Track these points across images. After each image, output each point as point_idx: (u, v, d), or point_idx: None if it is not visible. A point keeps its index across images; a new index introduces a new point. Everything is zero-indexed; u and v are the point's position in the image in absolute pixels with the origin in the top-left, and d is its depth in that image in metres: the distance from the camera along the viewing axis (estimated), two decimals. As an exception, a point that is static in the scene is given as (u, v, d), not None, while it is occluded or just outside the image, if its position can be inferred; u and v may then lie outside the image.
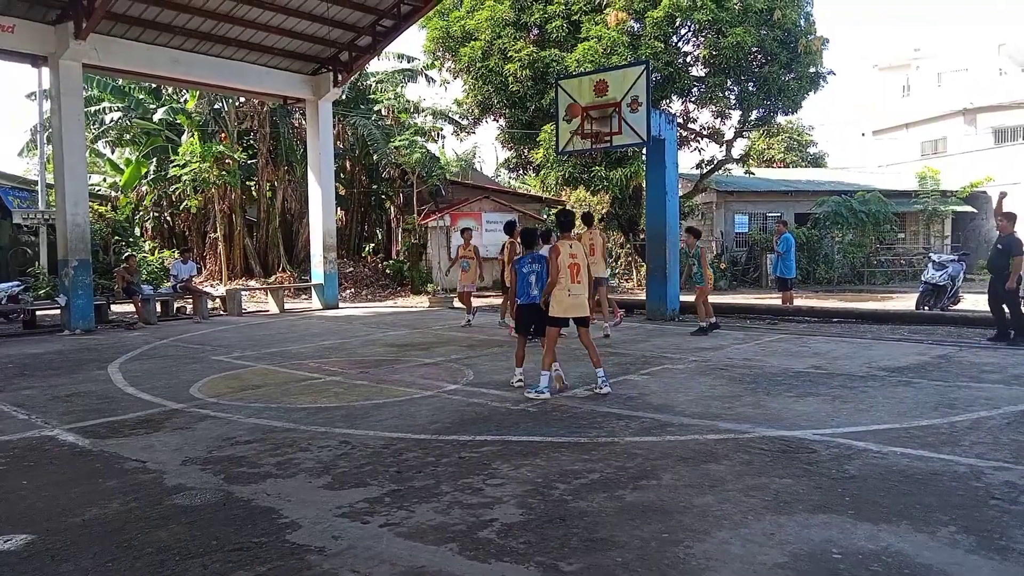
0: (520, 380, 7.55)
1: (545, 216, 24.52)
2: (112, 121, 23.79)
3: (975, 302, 15.75)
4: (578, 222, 11.68)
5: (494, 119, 24.11)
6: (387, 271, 23.83)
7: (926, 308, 14.29)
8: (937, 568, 3.28)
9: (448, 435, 5.71)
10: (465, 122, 25.37)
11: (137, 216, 24.64)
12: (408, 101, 25.90)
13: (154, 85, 23.44)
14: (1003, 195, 10.74)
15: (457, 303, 14.60)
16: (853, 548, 3.51)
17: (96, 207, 22.19)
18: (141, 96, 24.10)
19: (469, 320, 13.19)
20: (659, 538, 3.68)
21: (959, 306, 14.77)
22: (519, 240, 9.61)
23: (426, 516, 4.03)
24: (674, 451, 5.18)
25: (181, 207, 23.65)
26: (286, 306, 17.73)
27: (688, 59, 21.66)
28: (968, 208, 28.47)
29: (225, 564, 3.46)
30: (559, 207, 21.76)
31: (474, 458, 5.09)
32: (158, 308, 15.49)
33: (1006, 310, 10.12)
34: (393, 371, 8.68)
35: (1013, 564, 3.33)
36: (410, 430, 5.88)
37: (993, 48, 34.93)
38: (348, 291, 21.81)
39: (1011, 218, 10.23)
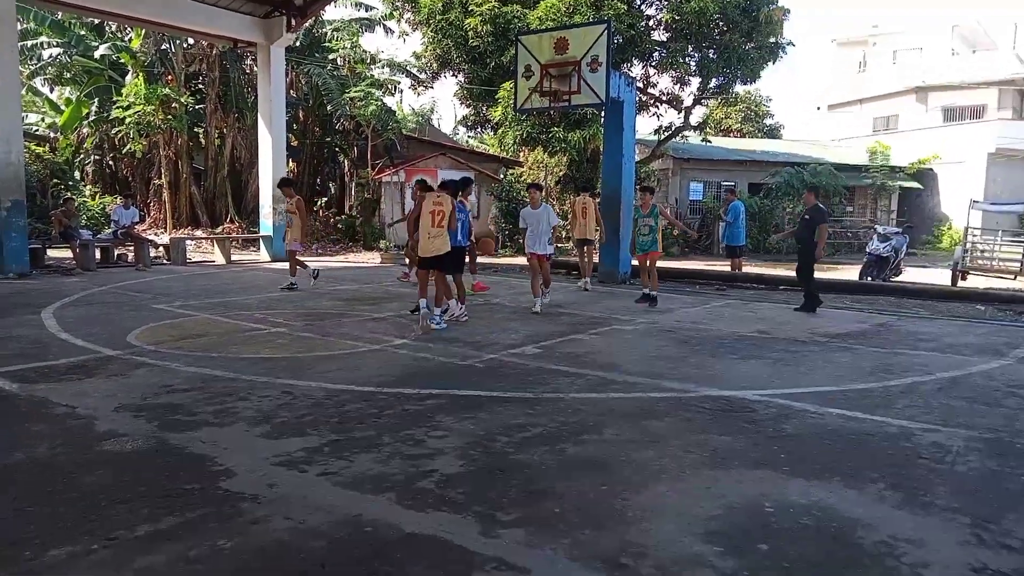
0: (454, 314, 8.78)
1: (502, 176, 24.33)
2: (51, 57, 22.63)
3: (916, 274, 16.26)
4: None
5: (453, 74, 23.69)
6: (339, 226, 23.41)
7: (869, 278, 14.66)
8: (864, 522, 3.37)
9: (392, 388, 5.64)
10: (423, 76, 24.85)
11: (77, 159, 23.67)
12: (365, 52, 25.20)
13: (96, 21, 22.32)
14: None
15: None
16: (785, 502, 3.58)
17: (33, 148, 21.26)
18: (82, 32, 22.91)
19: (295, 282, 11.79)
20: (597, 490, 3.70)
21: (900, 277, 15.20)
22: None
23: (365, 466, 3.98)
24: (617, 408, 5.22)
25: (124, 151, 22.72)
26: (233, 257, 17.31)
27: (650, 23, 21.53)
28: (915, 184, 29.19)
29: (154, 510, 3.36)
30: (507, 167, 21.59)
31: (417, 411, 5.05)
32: (97, 254, 14.97)
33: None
34: (340, 324, 8.55)
35: (935, 518, 3.44)
36: (354, 382, 5.80)
37: (947, 28, 35.55)
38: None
39: (814, 189, 11.49)
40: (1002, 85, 31.38)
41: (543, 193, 11.16)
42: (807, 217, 10.42)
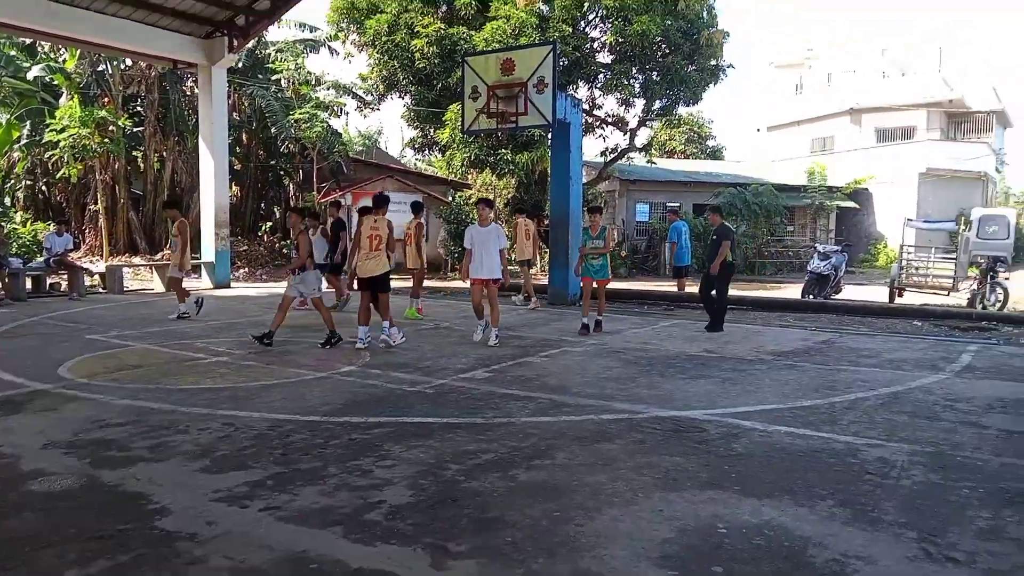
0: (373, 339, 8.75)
1: (451, 198, 24.28)
2: (-21, 78, 21.81)
3: (855, 292, 16.72)
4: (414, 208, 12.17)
5: (400, 96, 23.57)
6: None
7: (811, 296, 15.01)
8: (815, 540, 3.38)
9: (339, 417, 5.50)
10: (369, 98, 24.68)
11: (8, 184, 22.81)
12: (310, 73, 24.99)
13: (28, 40, 21.61)
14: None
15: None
16: (738, 522, 3.57)
17: (-41, 172, 20.39)
18: (12, 52, 22.19)
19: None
20: (550, 516, 3.63)
21: (841, 295, 15.60)
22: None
23: (310, 499, 3.84)
24: (569, 431, 5.17)
25: (58, 176, 21.96)
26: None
27: (595, 45, 21.85)
28: (851, 204, 30.14)
29: (83, 553, 3.17)
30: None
31: (365, 440, 4.92)
32: (28, 284, 14.36)
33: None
34: (285, 352, 8.33)
35: (883, 533, 3.47)
36: (299, 412, 5.63)
37: (877, 52, 37.05)
38: (242, 271, 20.92)
39: (717, 210, 11.30)
40: (930, 107, 32.77)
41: (492, 211, 10.36)
42: (715, 237, 10.51)
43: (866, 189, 30.59)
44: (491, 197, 22.49)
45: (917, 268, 17.00)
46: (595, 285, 10.13)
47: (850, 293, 16.05)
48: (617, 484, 4.10)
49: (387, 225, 8.80)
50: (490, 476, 4.21)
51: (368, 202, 10.11)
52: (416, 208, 11.84)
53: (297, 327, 10.27)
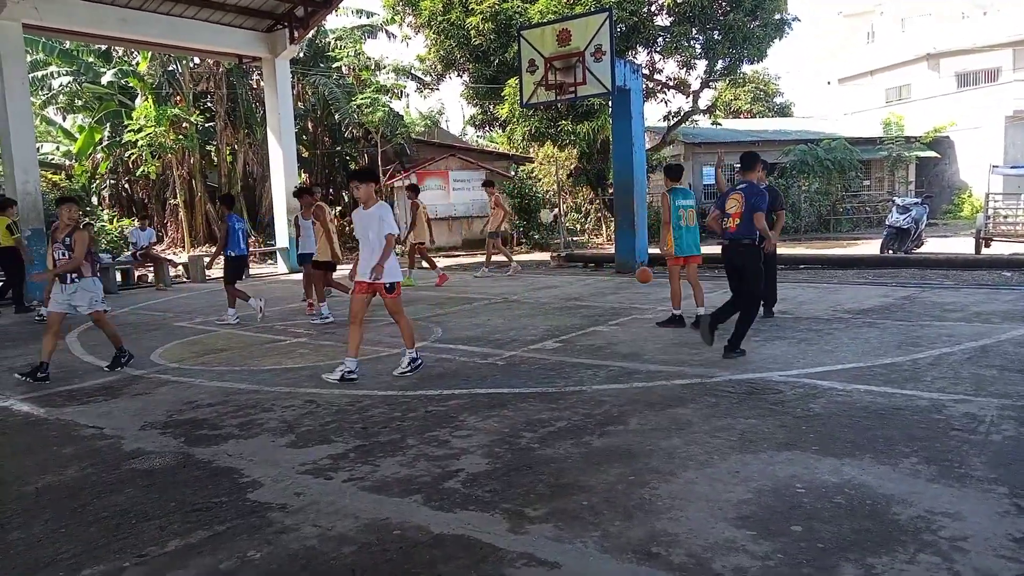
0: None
1: (513, 173, 24.29)
2: (61, 86, 22.93)
3: (938, 244, 16.01)
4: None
5: (458, 75, 23.63)
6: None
7: (890, 252, 14.45)
8: (899, 497, 3.31)
9: (415, 391, 5.64)
10: (428, 79, 24.83)
11: (93, 184, 23.97)
12: (369, 58, 25.27)
13: (103, 47, 22.57)
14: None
15: (425, 263, 14.41)
16: (817, 482, 3.52)
17: (50, 176, 21.57)
18: (91, 59, 23.21)
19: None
20: (625, 481, 3.66)
21: (922, 248, 14.97)
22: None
23: (391, 469, 3.97)
24: (641, 397, 5.17)
25: (138, 173, 22.98)
26: (252, 271, 17.42)
27: (652, 8, 21.33)
28: (932, 153, 28.73)
29: (183, 525, 3.38)
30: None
31: (441, 412, 5.04)
32: (118, 277, 15.12)
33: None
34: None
35: (971, 490, 3.36)
36: (376, 387, 5.80)
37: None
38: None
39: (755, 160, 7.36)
40: (1016, 45, 30.74)
41: (373, 185, 6.45)
42: (753, 201, 8.92)
43: (947, 137, 29.06)
44: (553, 172, 22.37)
45: (1005, 216, 16.16)
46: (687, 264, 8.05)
47: (933, 246, 15.38)
48: (691, 448, 4.09)
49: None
50: (564, 443, 4.26)
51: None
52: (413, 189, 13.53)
53: (372, 305, 10.50)
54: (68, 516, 3.55)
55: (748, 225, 6.20)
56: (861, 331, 7.13)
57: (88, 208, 20.74)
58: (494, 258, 14.47)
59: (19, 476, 4.16)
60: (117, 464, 4.29)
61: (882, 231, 16.51)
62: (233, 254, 9.50)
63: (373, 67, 25.46)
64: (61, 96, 23.22)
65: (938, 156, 28.92)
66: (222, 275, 10.00)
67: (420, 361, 6.35)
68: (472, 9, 20.23)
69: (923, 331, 6.99)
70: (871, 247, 16.21)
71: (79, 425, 5.12)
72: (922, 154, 28.59)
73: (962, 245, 15.68)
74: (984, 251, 14.52)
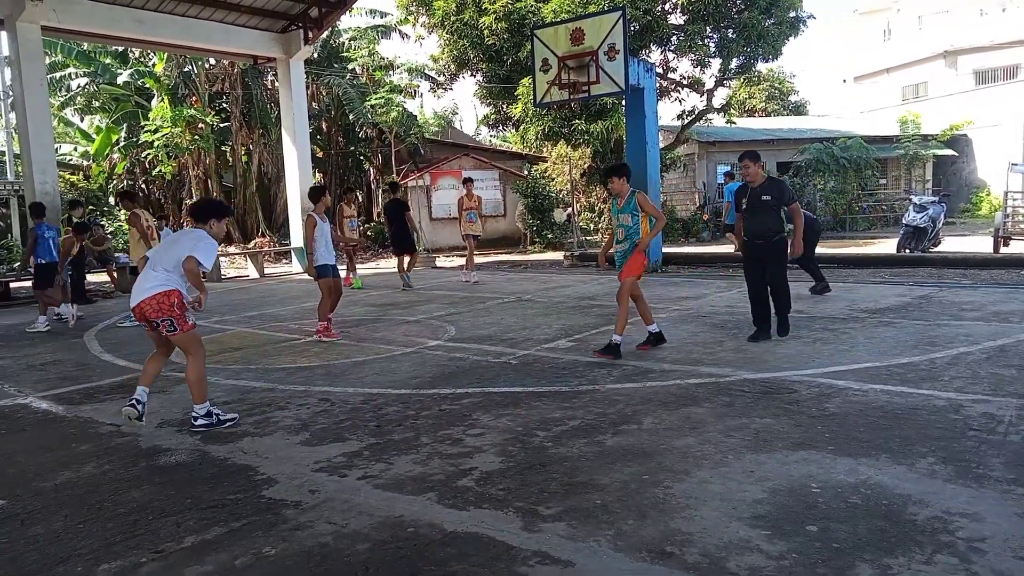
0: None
1: (527, 172, 24.28)
2: (79, 87, 23.18)
3: (956, 243, 15.86)
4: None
5: (471, 74, 23.64)
6: (367, 233, 23.61)
7: (907, 251, 14.31)
8: (915, 498, 3.28)
9: (428, 389, 5.66)
10: (442, 78, 24.86)
11: (111, 184, 24.18)
12: (383, 58, 25.36)
13: (120, 49, 22.78)
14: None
15: (439, 262, 14.44)
16: (832, 482, 3.50)
17: (67, 176, 21.78)
18: (108, 61, 23.44)
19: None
20: (639, 480, 3.65)
21: (940, 247, 14.82)
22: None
23: (405, 468, 3.99)
24: (655, 396, 5.16)
25: (155, 173, 23.21)
26: (266, 271, 17.54)
27: (666, 6, 21.24)
28: (949, 151, 28.46)
29: (200, 521, 3.40)
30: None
31: (454, 410, 5.05)
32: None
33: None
34: (374, 330, 8.60)
35: (990, 491, 3.33)
36: (390, 386, 5.82)
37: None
38: (329, 254, 21.59)
39: (753, 156, 7.11)
40: (1035, 43, 30.40)
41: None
42: (766, 198, 8.09)
43: (965, 135, 28.78)
44: (565, 172, 22.31)
45: (1025, 215, 15.94)
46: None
47: (950, 245, 15.23)
48: (706, 447, 4.08)
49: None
50: (577, 442, 4.26)
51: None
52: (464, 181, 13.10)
53: (387, 304, 10.58)
54: (86, 512, 3.58)
55: (778, 221, 6.84)
56: (877, 330, 7.08)
57: (105, 208, 20.93)
58: (459, 260, 14.26)
59: (38, 473, 4.21)
60: (134, 461, 4.33)
61: (899, 230, 16.36)
62: (44, 261, 10.01)
63: (387, 67, 25.55)
64: (79, 97, 23.46)
65: (955, 154, 28.64)
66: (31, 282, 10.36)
67: (214, 420, 4.91)
68: (485, 9, 20.22)
69: (940, 330, 6.93)
70: (887, 246, 16.07)
71: (96, 423, 5.18)
72: (939, 152, 28.32)
73: (980, 244, 15.51)
74: (1003, 250, 14.36)
